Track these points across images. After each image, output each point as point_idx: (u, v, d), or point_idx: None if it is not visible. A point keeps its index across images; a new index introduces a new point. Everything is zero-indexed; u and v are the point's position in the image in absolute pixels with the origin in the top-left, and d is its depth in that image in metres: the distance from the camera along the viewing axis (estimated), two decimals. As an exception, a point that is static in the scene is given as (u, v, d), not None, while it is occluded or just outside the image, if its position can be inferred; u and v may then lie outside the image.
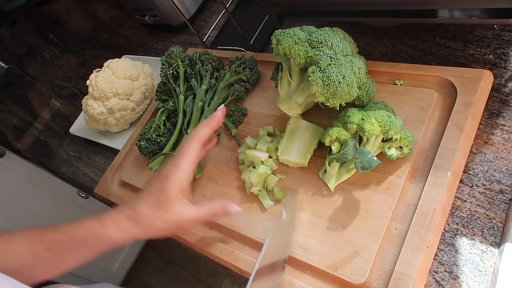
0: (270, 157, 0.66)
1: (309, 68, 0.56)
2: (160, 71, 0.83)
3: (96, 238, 0.52)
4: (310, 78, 0.55)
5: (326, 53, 0.55)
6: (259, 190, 0.63)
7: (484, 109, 0.58)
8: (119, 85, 0.90)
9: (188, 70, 0.82)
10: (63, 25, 1.61)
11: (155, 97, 0.86)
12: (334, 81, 0.53)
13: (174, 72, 0.82)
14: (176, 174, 0.55)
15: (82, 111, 1.01)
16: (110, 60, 0.94)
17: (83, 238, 0.52)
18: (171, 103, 0.81)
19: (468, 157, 0.56)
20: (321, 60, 0.55)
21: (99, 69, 0.92)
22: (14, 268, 0.51)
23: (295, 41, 0.58)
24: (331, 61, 0.54)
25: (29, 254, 0.52)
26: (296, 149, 0.62)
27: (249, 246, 0.61)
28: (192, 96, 0.80)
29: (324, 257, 0.54)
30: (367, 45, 0.76)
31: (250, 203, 0.64)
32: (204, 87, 0.79)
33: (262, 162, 0.64)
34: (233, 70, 0.78)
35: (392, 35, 0.74)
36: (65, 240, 0.53)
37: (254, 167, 0.64)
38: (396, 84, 0.64)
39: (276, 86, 0.66)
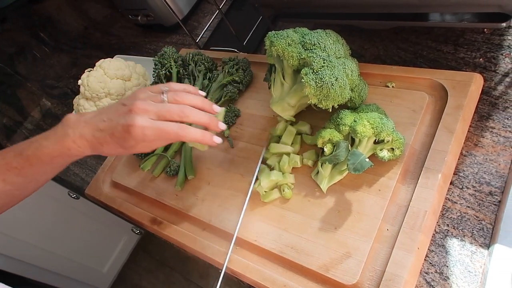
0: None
1: (302, 70, 0.56)
2: (153, 71, 0.83)
3: (63, 156, 0.54)
4: (303, 80, 0.55)
5: (319, 55, 0.56)
6: (265, 191, 0.62)
7: (474, 112, 0.58)
8: (111, 85, 0.89)
9: (181, 70, 0.82)
10: (55, 24, 1.59)
11: (148, 97, 0.86)
12: (327, 83, 0.54)
13: (167, 72, 0.82)
14: (143, 127, 0.50)
15: (73, 111, 1.00)
16: (102, 59, 0.93)
17: (51, 160, 0.54)
18: (163, 104, 0.81)
19: (459, 159, 0.56)
20: (314, 62, 0.55)
21: (91, 69, 0.92)
22: None
23: (289, 43, 0.58)
24: (324, 63, 0.55)
25: (2, 182, 0.54)
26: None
27: (241, 247, 0.61)
28: (185, 96, 0.80)
29: (316, 258, 0.54)
30: (359, 48, 0.76)
31: (242, 204, 0.64)
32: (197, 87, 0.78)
33: (288, 155, 0.63)
34: (226, 71, 0.78)
35: (385, 38, 0.75)
36: (34, 164, 0.54)
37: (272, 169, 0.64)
38: (388, 87, 0.64)
39: (269, 88, 0.66)
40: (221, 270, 0.58)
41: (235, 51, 0.88)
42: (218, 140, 0.55)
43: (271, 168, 0.64)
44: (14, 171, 0.53)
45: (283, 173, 0.62)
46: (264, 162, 0.67)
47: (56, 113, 1.21)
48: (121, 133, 0.51)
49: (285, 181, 0.62)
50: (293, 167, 0.63)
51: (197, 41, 1.00)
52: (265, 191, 0.62)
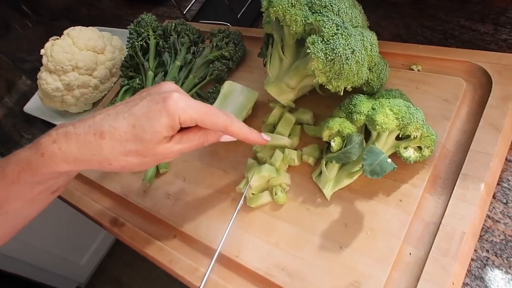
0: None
1: (308, 38, 0.43)
2: (127, 41, 0.71)
3: (31, 168, 0.38)
4: (309, 51, 0.43)
5: (331, 19, 0.43)
6: (253, 194, 0.50)
7: (526, 105, 0.47)
8: (80, 57, 0.77)
9: (160, 42, 0.71)
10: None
11: (120, 72, 0.74)
12: (341, 56, 0.41)
13: (144, 43, 0.70)
14: (183, 109, 0.37)
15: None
16: (72, 27, 0.80)
17: (17, 175, 0.38)
18: (137, 81, 0.71)
19: (503, 165, 0.45)
20: (325, 28, 0.42)
21: (57, 37, 0.79)
22: None
23: (292, 3, 0.45)
24: (337, 29, 0.42)
25: None
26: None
27: (219, 264, 0.48)
28: (163, 73, 0.69)
29: (314, 285, 0.43)
30: (375, 25, 0.65)
31: (224, 208, 0.52)
32: (178, 63, 0.67)
33: (283, 150, 0.52)
34: (214, 44, 0.67)
35: (405, 15, 0.65)
36: None
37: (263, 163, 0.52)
38: (413, 70, 0.55)
39: (265, 65, 0.55)
40: None
41: (227, 25, 0.76)
42: (267, 137, 0.45)
43: (262, 163, 0.52)
44: None
45: (276, 170, 0.50)
46: (253, 156, 0.54)
47: (23, 89, 1.10)
48: (153, 105, 0.37)
49: (279, 181, 0.49)
50: (289, 165, 0.52)
51: (184, 13, 0.88)
52: (252, 193, 0.49)
